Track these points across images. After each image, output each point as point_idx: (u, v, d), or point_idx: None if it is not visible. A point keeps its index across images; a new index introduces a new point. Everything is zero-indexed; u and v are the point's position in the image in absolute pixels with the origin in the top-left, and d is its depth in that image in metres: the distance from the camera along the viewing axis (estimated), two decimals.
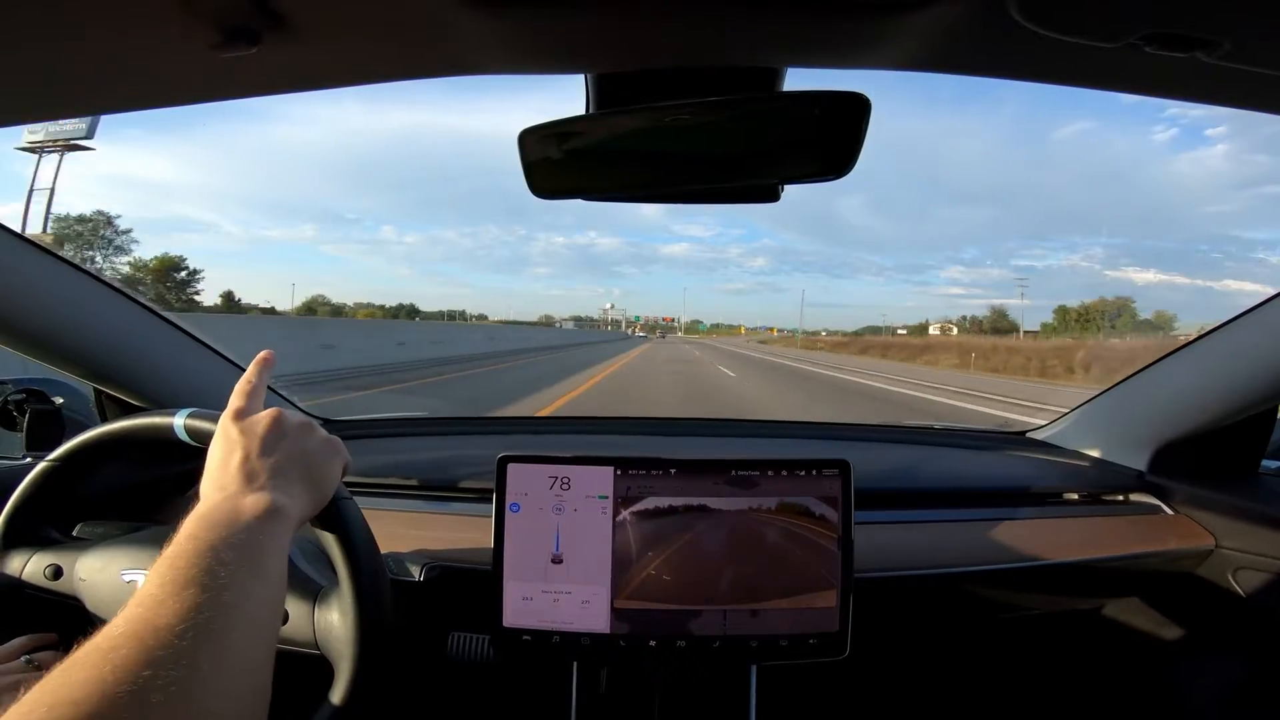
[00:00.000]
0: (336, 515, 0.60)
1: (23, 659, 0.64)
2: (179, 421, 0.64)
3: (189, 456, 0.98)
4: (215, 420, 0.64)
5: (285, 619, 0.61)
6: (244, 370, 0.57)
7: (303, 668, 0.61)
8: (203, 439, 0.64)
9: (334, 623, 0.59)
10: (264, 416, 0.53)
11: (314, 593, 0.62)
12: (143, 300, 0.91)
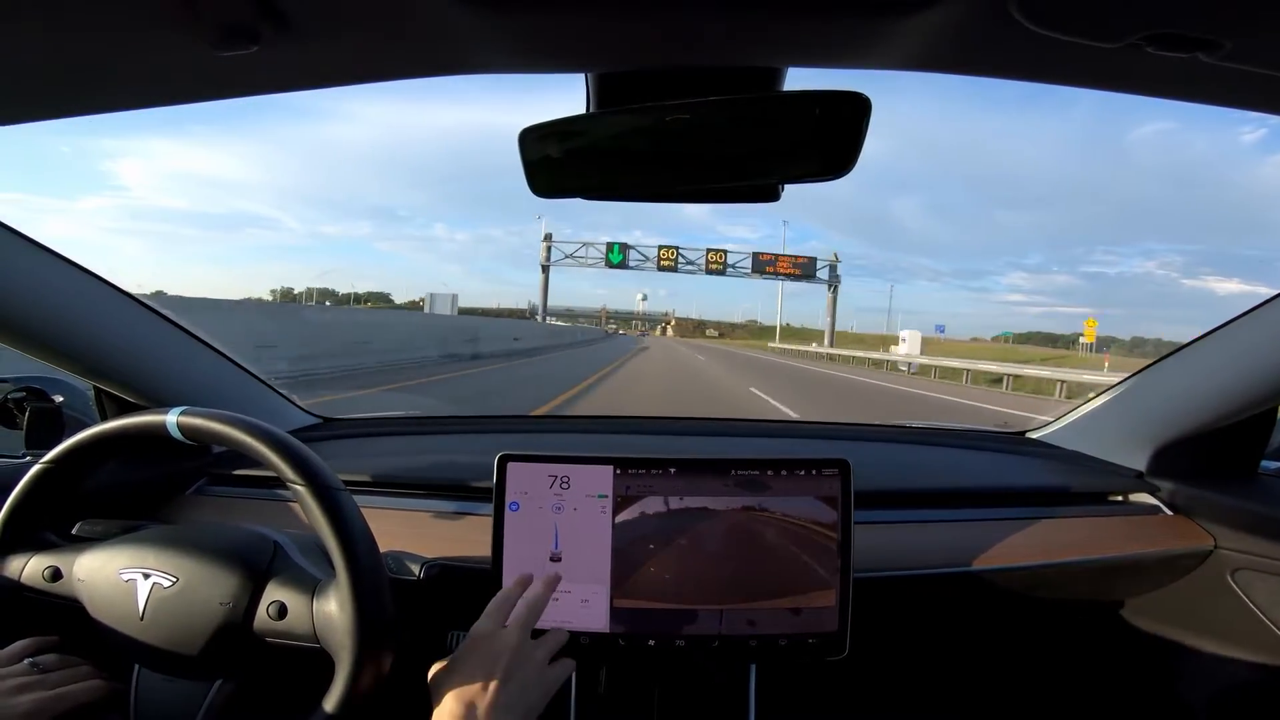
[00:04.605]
0: (331, 506, 0.60)
1: (26, 662, 0.64)
2: (171, 419, 0.64)
3: (187, 454, 0.99)
4: (207, 417, 0.64)
5: (284, 614, 0.61)
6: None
7: (304, 663, 0.61)
8: (195, 436, 0.64)
9: (333, 614, 0.59)
10: (508, 645, 0.60)
11: (311, 586, 0.62)
12: (141, 298, 0.91)
